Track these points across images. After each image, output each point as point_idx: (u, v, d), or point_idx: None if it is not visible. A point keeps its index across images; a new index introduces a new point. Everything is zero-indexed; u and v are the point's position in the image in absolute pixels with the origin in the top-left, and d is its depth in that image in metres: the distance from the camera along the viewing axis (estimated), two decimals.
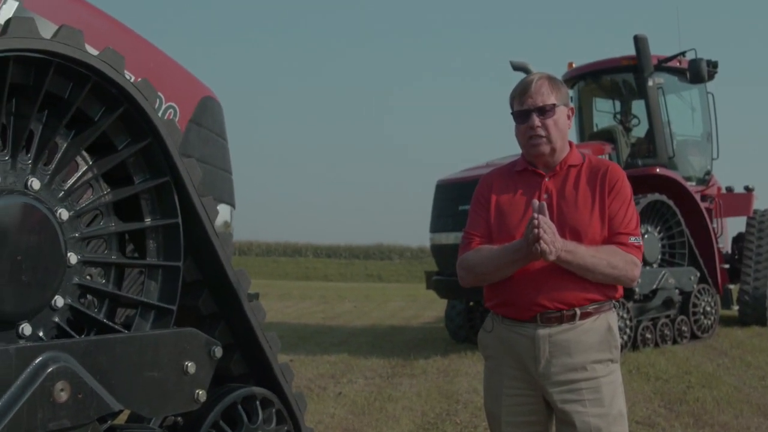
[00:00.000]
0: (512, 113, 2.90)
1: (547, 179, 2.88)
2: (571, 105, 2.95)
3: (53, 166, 2.63)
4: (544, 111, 2.81)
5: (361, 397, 7.42)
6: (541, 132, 2.83)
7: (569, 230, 2.76)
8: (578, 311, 2.77)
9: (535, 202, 2.67)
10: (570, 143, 2.94)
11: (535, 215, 2.61)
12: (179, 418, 3.19)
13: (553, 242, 2.61)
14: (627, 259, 2.77)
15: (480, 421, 6.33)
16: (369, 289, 29.61)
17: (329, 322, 15.43)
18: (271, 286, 27.00)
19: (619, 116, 12.31)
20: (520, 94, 2.86)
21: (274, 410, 3.32)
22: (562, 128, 2.85)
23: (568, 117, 2.89)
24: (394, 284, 34.28)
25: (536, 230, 2.59)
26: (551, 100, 2.82)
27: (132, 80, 2.76)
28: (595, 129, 12.51)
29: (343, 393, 7.62)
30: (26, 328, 2.52)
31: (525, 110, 2.83)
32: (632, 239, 2.80)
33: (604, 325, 2.81)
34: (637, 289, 9.90)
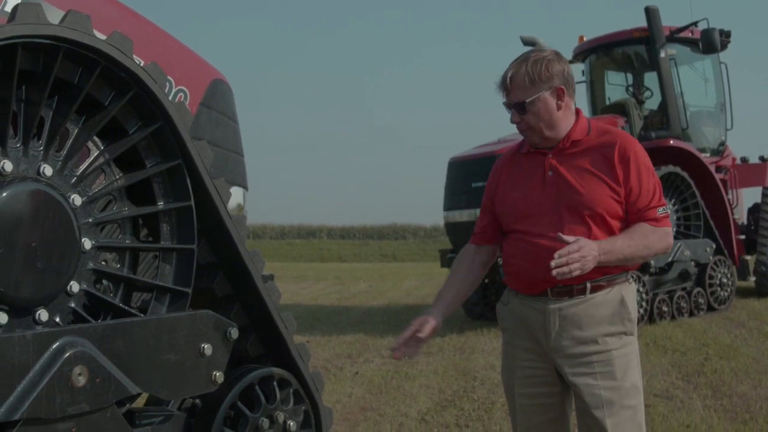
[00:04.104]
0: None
1: (550, 156, 2.85)
2: (561, 85, 2.82)
3: (65, 152, 2.64)
4: (522, 107, 2.78)
5: (378, 375, 7.45)
6: (522, 126, 2.82)
7: (578, 206, 2.73)
8: (589, 285, 2.75)
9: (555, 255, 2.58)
10: (577, 111, 2.89)
11: (552, 264, 2.55)
12: (197, 400, 3.21)
13: (584, 263, 2.56)
14: (660, 234, 2.74)
15: (497, 397, 6.34)
16: (383, 269, 29.65)
17: (344, 303, 15.47)
18: (285, 269, 27.08)
19: (631, 89, 12.21)
20: (501, 87, 2.83)
21: (291, 390, 3.34)
22: (546, 117, 2.78)
23: (559, 97, 2.80)
24: (409, 263, 34.31)
25: (559, 276, 2.56)
26: (528, 95, 2.75)
27: (141, 64, 2.76)
28: (607, 102, 12.41)
29: (360, 372, 7.64)
30: (43, 314, 2.53)
31: (505, 104, 2.83)
32: (660, 211, 2.76)
33: (617, 297, 2.79)
34: (652, 263, 9.86)
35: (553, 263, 2.56)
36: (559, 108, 2.79)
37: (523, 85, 2.76)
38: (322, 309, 14.15)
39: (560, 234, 2.63)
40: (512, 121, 2.84)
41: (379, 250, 43.27)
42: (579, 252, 2.56)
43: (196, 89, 3.88)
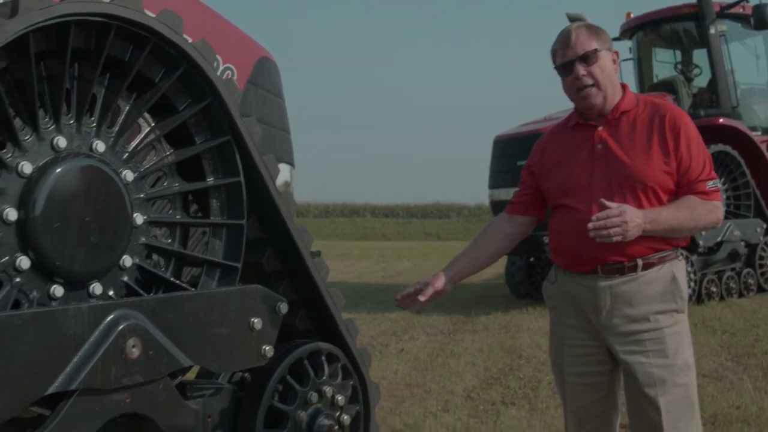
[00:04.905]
0: (555, 68, 2.84)
1: (600, 128, 2.82)
2: (615, 49, 2.86)
3: (116, 128, 2.67)
4: (587, 58, 2.73)
5: (423, 353, 7.48)
6: (588, 81, 2.74)
7: (628, 179, 2.70)
8: (640, 262, 2.72)
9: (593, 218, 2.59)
10: (624, 86, 2.86)
11: (589, 226, 2.55)
12: (246, 374, 3.24)
13: (625, 229, 2.54)
14: (709, 207, 2.70)
15: (543, 376, 6.33)
16: (427, 247, 29.65)
17: (389, 281, 15.51)
18: (329, 247, 27.18)
19: (680, 66, 12.00)
20: (561, 46, 2.79)
21: (339, 365, 3.36)
22: (609, 74, 2.76)
23: (614, 61, 2.80)
24: (453, 242, 34.20)
25: (597, 239, 2.56)
26: (592, 45, 2.73)
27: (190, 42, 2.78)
28: (655, 80, 12.22)
29: (406, 349, 7.68)
30: (97, 288, 2.58)
31: (568, 62, 2.76)
32: (710, 184, 2.71)
33: (669, 274, 2.76)
34: (701, 242, 9.74)
35: (590, 225, 2.54)
36: (615, 71, 2.79)
37: (587, 38, 2.74)
38: (367, 287, 14.21)
39: (603, 200, 2.60)
40: (577, 77, 2.75)
41: (423, 229, 43.25)
42: (620, 217, 2.53)
43: (243, 67, 3.91)
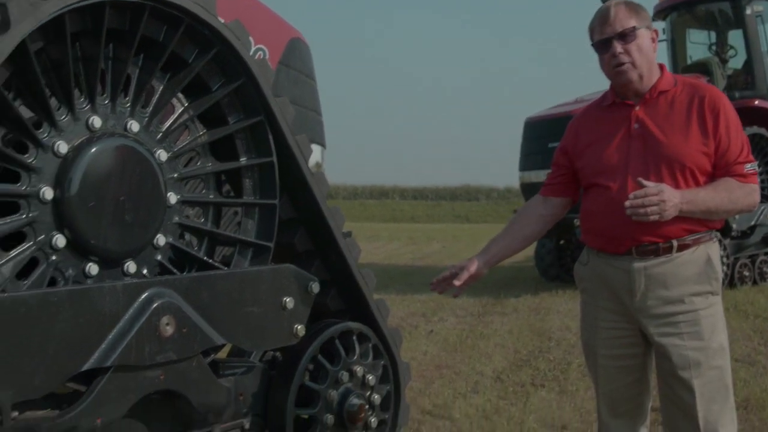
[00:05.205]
0: (593, 45, 2.81)
1: (637, 108, 2.78)
2: (655, 27, 2.82)
3: (150, 108, 2.69)
4: (625, 36, 2.69)
5: (452, 334, 7.49)
6: (625, 58, 2.71)
7: (665, 159, 2.68)
8: (675, 243, 2.70)
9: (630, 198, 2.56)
10: (661, 66, 2.83)
11: (627, 204, 2.53)
12: (278, 354, 3.27)
13: (662, 208, 2.51)
14: (746, 190, 2.67)
15: (573, 358, 6.32)
16: (457, 229, 29.61)
17: (418, 263, 15.53)
18: (359, 228, 27.17)
19: (714, 47, 11.83)
20: (599, 23, 2.75)
21: (370, 345, 3.37)
22: (647, 52, 2.73)
23: (653, 40, 2.75)
24: (482, 225, 34.16)
25: (633, 217, 2.54)
26: (631, 23, 2.69)
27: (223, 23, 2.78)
28: (689, 61, 12.06)
29: (435, 331, 7.69)
30: (131, 266, 2.61)
31: (605, 39, 2.73)
32: (748, 167, 2.68)
33: (704, 256, 2.73)
34: (734, 226, 9.64)
35: (627, 203, 2.52)
36: (653, 50, 2.75)
37: (626, 16, 2.70)
38: (396, 268, 14.24)
39: (640, 179, 2.58)
40: (614, 55, 2.71)
41: (452, 211, 43.19)
42: (658, 196, 2.51)
43: (274, 48, 3.91)
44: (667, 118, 2.72)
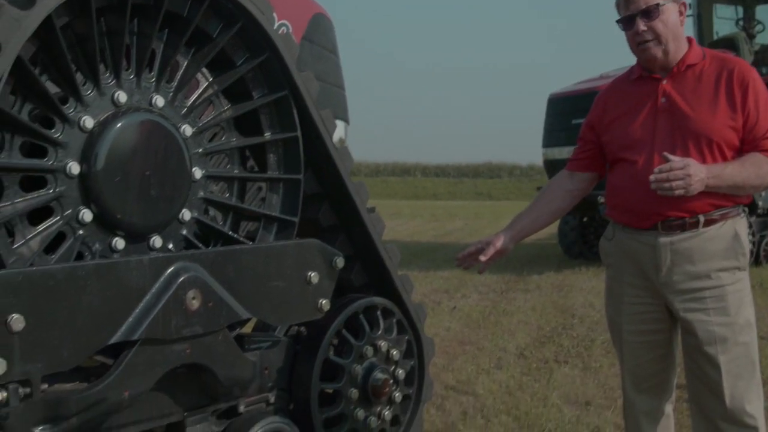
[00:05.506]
0: (618, 21, 2.78)
1: (664, 82, 2.75)
2: (683, 0, 2.77)
3: (175, 83, 2.69)
4: (649, 13, 2.66)
5: (475, 311, 7.49)
6: (649, 36, 2.68)
7: (692, 133, 2.65)
8: (702, 218, 2.67)
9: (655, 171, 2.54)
10: (690, 39, 2.79)
11: (652, 178, 2.51)
12: (302, 328, 3.28)
13: (688, 183, 2.49)
14: None
15: (597, 335, 6.31)
16: (479, 207, 29.54)
17: (441, 240, 15.53)
18: (381, 206, 27.06)
19: (741, 22, 11.69)
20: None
21: (394, 320, 3.38)
22: (673, 27, 2.69)
23: (680, 13, 2.72)
24: (504, 202, 34.07)
25: (659, 192, 2.52)
26: (655, 0, 2.68)
27: None
28: (715, 37, 11.91)
29: (458, 307, 7.70)
30: (157, 241, 2.62)
31: (630, 15, 2.70)
32: None
33: (731, 231, 2.71)
34: (760, 203, 9.56)
35: (652, 177, 2.50)
36: (681, 24, 2.70)
37: None
38: (418, 245, 14.25)
39: (666, 154, 2.55)
40: (637, 32, 2.69)
41: (474, 189, 43.09)
42: (684, 170, 2.48)
43: (298, 23, 3.90)
44: (695, 91, 2.69)
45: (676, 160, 2.51)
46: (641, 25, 2.67)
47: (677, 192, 2.50)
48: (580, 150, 3.00)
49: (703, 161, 2.59)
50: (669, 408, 2.95)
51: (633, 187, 2.72)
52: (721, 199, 2.66)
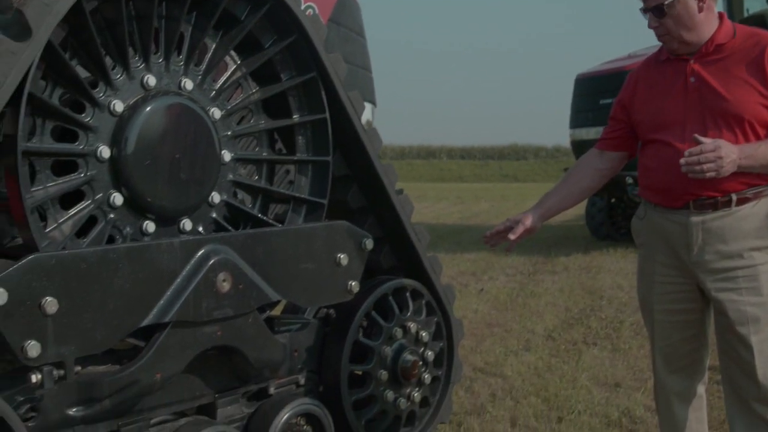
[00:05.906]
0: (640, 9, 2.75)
1: (692, 62, 2.71)
2: None
3: (204, 66, 2.69)
4: (658, 10, 2.63)
5: (503, 293, 7.47)
6: (660, 31, 2.67)
7: (723, 113, 2.60)
8: (734, 197, 2.64)
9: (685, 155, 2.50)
10: (721, 15, 2.74)
11: (682, 162, 2.46)
12: (331, 311, 3.29)
13: (719, 165, 2.44)
14: None
15: (626, 317, 6.28)
16: (505, 189, 29.42)
17: (467, 222, 15.49)
18: (406, 188, 26.98)
19: None
20: None
21: (424, 302, 3.38)
22: (686, 21, 2.63)
23: (700, 0, 2.65)
24: (530, 184, 33.91)
25: (690, 175, 2.48)
26: None
27: None
28: (745, 14, 11.73)
29: (485, 289, 7.68)
30: (187, 224, 2.63)
31: (643, 9, 2.68)
32: None
33: (764, 210, 2.66)
34: None
35: (683, 160, 2.47)
36: (700, 10, 2.64)
37: None
38: (445, 227, 14.22)
39: (696, 136, 2.52)
40: (650, 26, 2.70)
41: (500, 171, 42.89)
42: (715, 153, 2.44)
43: (324, 5, 3.89)
44: (725, 70, 2.65)
45: (707, 141, 2.48)
46: (652, 22, 2.68)
47: (708, 174, 2.46)
48: (611, 129, 2.97)
49: (735, 140, 2.56)
50: (701, 389, 2.92)
51: (665, 168, 2.69)
52: (753, 178, 2.62)
